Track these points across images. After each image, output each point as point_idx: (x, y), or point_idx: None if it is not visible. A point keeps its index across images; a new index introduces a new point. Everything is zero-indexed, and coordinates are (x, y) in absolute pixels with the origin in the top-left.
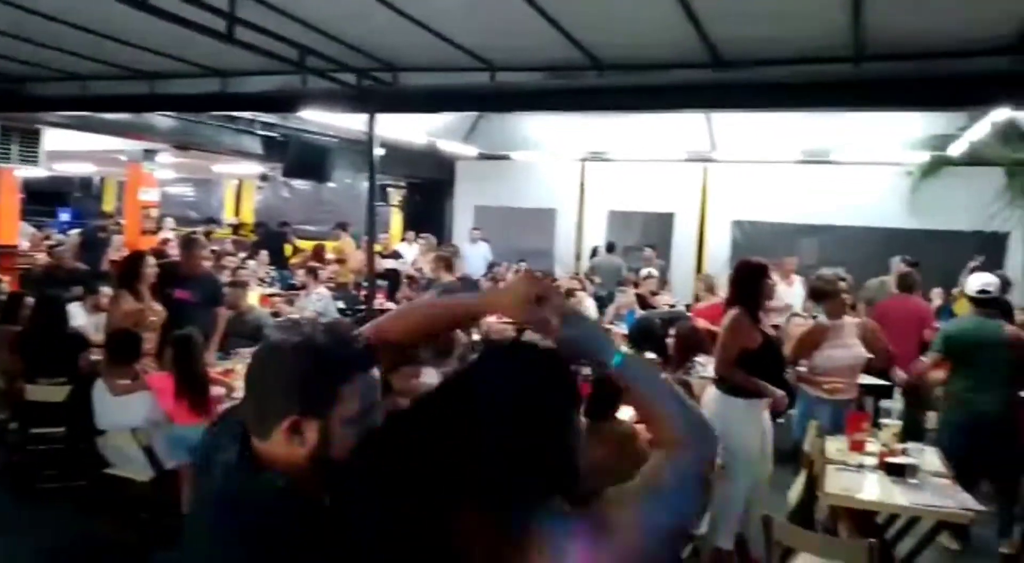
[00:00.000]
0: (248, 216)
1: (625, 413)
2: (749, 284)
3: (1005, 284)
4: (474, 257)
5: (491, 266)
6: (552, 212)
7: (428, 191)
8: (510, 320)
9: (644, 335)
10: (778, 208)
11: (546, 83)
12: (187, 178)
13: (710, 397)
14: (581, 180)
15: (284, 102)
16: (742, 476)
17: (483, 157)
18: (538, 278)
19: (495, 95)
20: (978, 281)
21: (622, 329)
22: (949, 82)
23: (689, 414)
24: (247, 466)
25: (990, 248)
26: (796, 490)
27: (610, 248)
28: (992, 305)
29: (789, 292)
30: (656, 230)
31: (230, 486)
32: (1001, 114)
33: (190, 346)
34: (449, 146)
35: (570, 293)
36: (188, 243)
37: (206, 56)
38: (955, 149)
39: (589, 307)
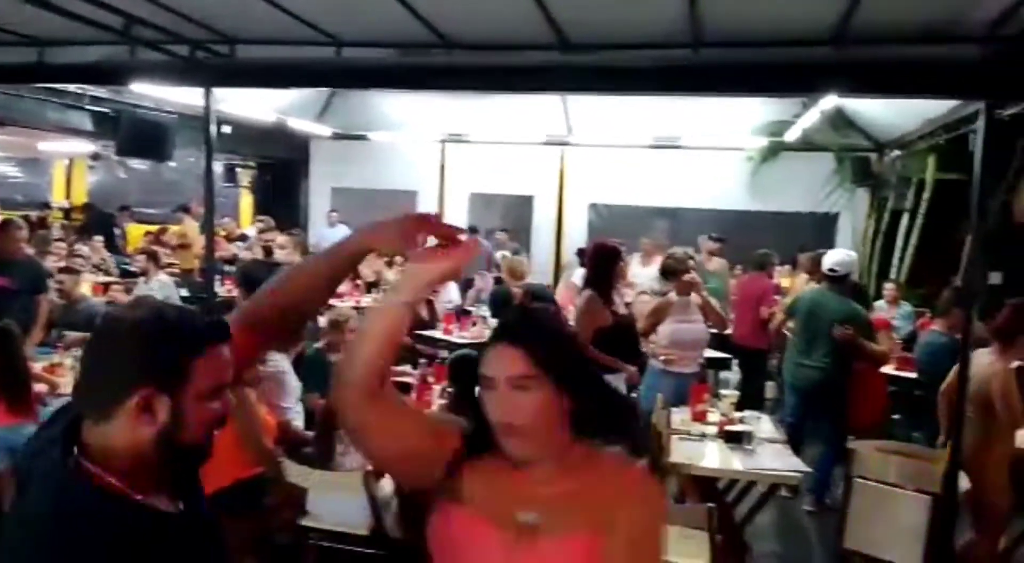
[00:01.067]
0: (81, 198)
1: None
2: (602, 266)
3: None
4: (333, 241)
5: None
6: (413, 194)
7: (280, 172)
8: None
9: (503, 302)
10: (632, 192)
11: (393, 60)
12: (11, 157)
13: None
14: (442, 162)
15: (109, 74)
16: None
17: (338, 137)
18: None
19: (340, 72)
20: (830, 259)
21: (483, 311)
22: (777, 70)
23: None
24: (69, 468)
25: (823, 228)
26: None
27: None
28: (840, 282)
29: (649, 272)
30: (516, 213)
31: (45, 494)
32: (829, 102)
33: (7, 339)
34: (301, 124)
35: None
36: (3, 226)
37: (21, 24)
38: (790, 135)
39: (451, 289)
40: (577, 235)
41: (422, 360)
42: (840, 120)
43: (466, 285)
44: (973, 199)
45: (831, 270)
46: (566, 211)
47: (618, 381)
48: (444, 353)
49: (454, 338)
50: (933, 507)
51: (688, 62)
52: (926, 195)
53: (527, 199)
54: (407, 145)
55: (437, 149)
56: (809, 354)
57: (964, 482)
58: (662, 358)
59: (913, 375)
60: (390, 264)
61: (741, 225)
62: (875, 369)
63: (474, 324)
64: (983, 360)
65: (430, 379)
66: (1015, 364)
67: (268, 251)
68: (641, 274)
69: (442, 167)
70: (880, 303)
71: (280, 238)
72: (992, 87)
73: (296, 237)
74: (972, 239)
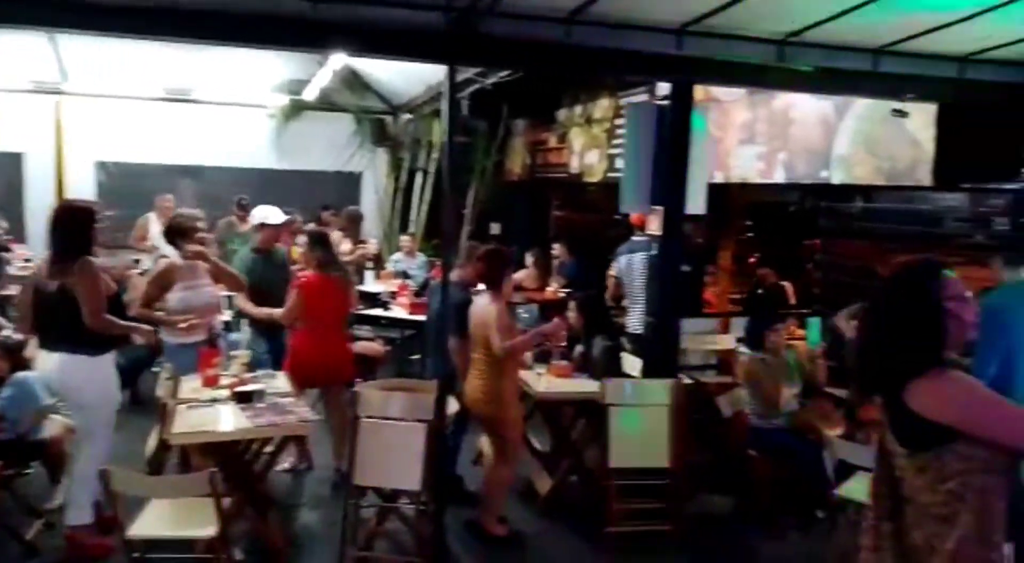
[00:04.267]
0: None
1: None
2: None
3: (356, 218)
4: None
5: None
6: None
7: None
8: None
9: None
10: (147, 149)
11: None
12: None
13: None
14: None
15: None
16: (103, 436)
17: None
18: None
19: None
20: (259, 213)
21: None
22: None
23: None
24: None
25: (348, 187)
26: (153, 438)
27: None
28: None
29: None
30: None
31: None
32: (339, 61)
33: None
34: None
35: None
36: None
37: None
38: (309, 94)
39: None
40: (84, 196)
41: None
42: (356, 82)
43: None
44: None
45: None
46: (67, 170)
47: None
48: None
49: None
50: (428, 433)
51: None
52: (435, 156)
53: (15, 156)
54: None
55: None
56: None
57: (453, 406)
58: (182, 325)
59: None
60: None
61: (268, 184)
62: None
63: None
64: (480, 303)
65: None
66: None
67: None
68: (160, 236)
69: None
70: (398, 255)
71: None
72: (452, 52)
73: None
74: (449, 194)
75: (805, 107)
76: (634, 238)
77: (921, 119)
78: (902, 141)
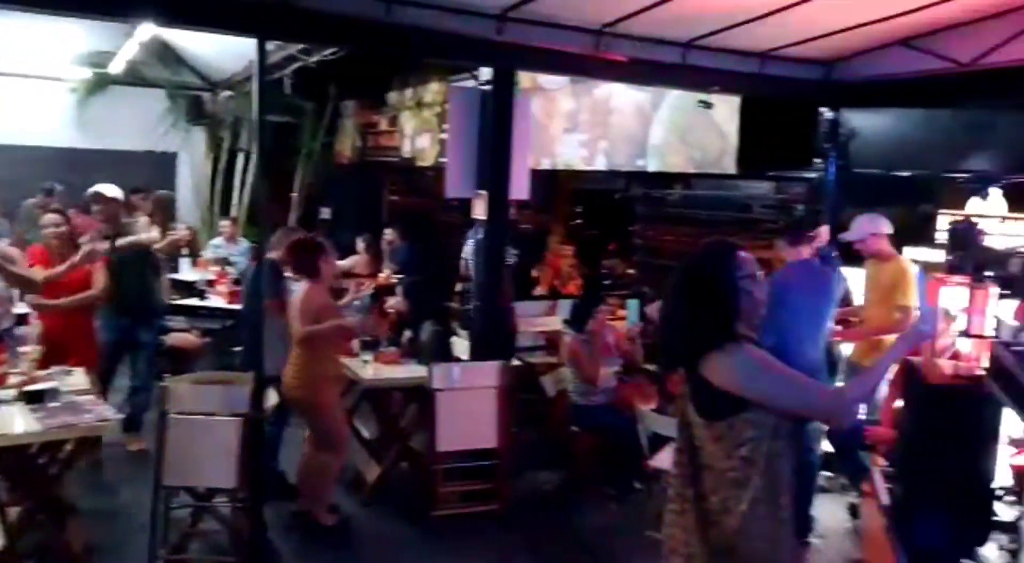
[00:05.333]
0: None
1: None
2: None
3: (165, 202)
4: None
5: None
6: None
7: None
8: None
9: None
10: None
11: None
12: None
13: None
14: None
15: None
16: None
17: None
18: None
19: None
20: None
21: None
22: None
23: None
24: None
25: (162, 167)
26: None
27: None
28: None
29: None
30: None
31: None
32: (147, 32)
33: None
34: None
35: None
36: None
37: None
38: (115, 67)
39: None
40: None
41: None
42: (169, 56)
43: None
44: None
45: None
46: None
47: None
48: None
49: None
50: (244, 426)
51: None
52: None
53: None
54: None
55: None
56: None
57: (273, 398)
58: None
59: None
60: None
61: (70, 164)
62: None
63: None
64: (298, 289)
65: None
66: None
67: None
68: None
69: None
70: (218, 240)
71: None
72: (263, 25)
73: None
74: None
75: (624, 97)
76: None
77: (727, 111)
78: (711, 131)
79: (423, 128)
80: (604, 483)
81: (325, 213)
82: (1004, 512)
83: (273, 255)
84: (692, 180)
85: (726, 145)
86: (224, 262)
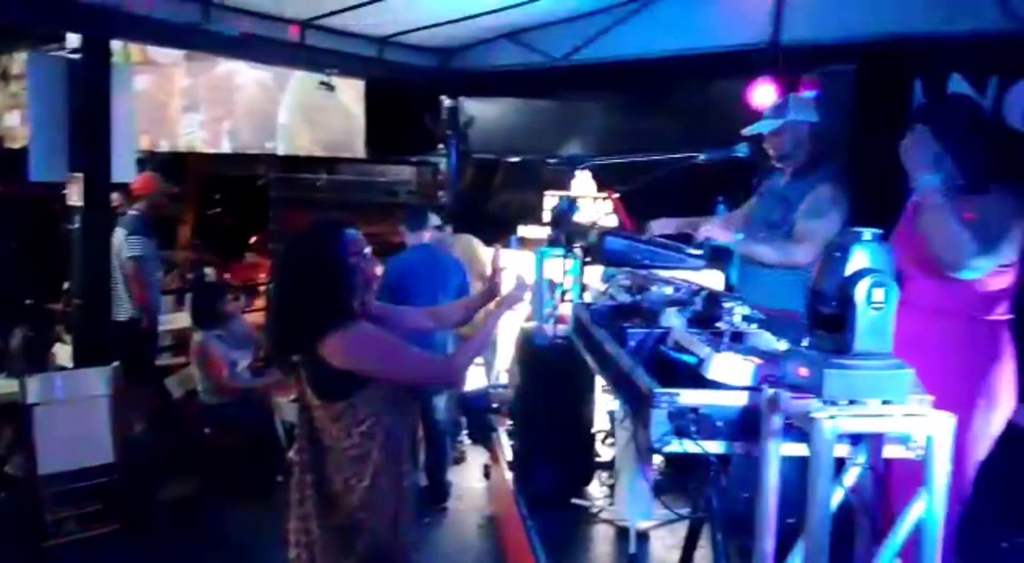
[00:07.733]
0: None
1: None
2: None
3: None
4: None
5: None
6: None
7: None
8: None
9: None
10: None
11: None
12: None
13: None
14: None
15: None
16: None
17: None
18: None
19: None
20: None
21: None
22: None
23: None
24: None
25: None
26: None
27: None
28: None
29: None
30: None
31: None
32: None
33: None
34: None
35: None
36: None
37: None
38: None
39: None
40: None
41: None
42: None
43: None
44: None
45: None
46: None
47: None
48: None
49: None
50: None
51: None
52: None
53: None
54: None
55: None
56: None
57: None
58: None
59: None
60: None
61: None
62: None
63: None
64: None
65: None
66: None
67: None
68: None
69: None
70: None
71: None
72: None
73: None
74: None
75: (247, 76)
76: (130, 211)
77: (352, 93)
78: (337, 113)
79: (12, 104)
80: (243, 481)
81: None
82: (604, 453)
83: None
84: (339, 165)
85: (353, 128)
86: None
